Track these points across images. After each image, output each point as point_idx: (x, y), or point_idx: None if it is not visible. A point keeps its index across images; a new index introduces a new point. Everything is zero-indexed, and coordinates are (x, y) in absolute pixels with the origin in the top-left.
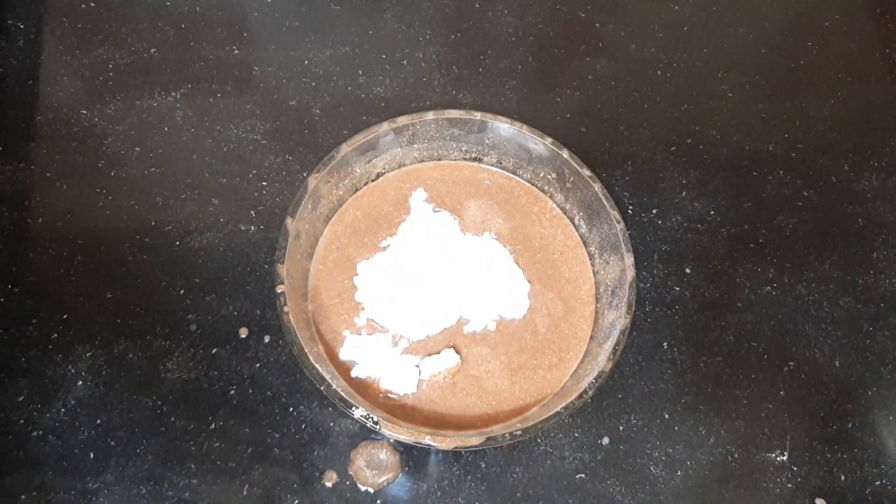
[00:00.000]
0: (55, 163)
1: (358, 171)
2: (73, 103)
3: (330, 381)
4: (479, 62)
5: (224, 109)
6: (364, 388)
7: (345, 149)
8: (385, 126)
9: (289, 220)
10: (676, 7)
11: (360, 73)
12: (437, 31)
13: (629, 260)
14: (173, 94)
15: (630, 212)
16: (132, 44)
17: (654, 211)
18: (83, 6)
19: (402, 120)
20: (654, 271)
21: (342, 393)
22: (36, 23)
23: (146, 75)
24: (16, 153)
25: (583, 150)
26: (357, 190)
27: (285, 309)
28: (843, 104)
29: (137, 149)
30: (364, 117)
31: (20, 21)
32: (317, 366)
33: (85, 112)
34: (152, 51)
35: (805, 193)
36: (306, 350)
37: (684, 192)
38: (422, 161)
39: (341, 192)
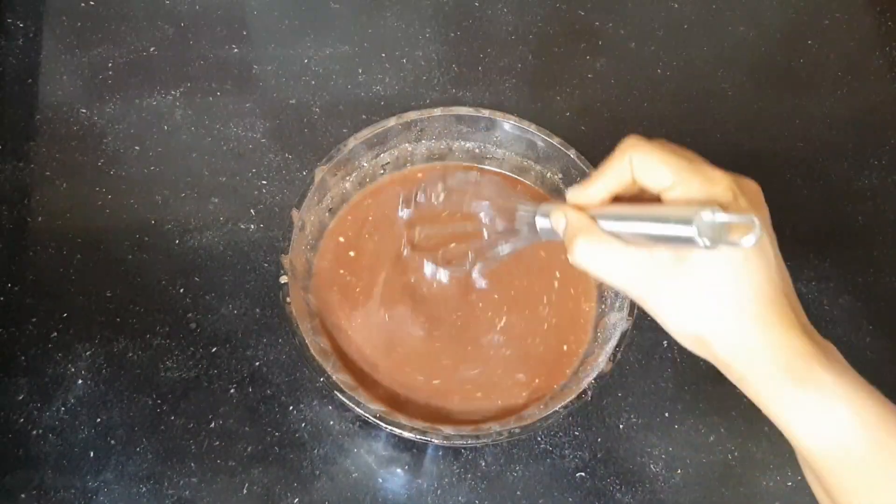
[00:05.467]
0: (55, 161)
1: (365, 164)
2: (73, 102)
3: (330, 373)
4: (479, 60)
5: (224, 108)
6: (365, 382)
7: (352, 142)
8: (393, 121)
9: (294, 212)
10: (676, 5)
11: (360, 71)
12: (436, 29)
13: None
14: (173, 92)
15: None
16: (132, 42)
17: None
18: (82, 5)
19: (411, 115)
20: None
21: (342, 385)
22: (35, 21)
23: (146, 74)
24: (15, 152)
25: (583, 148)
26: (363, 185)
27: (287, 300)
28: (843, 103)
29: (137, 147)
30: (364, 116)
31: (20, 19)
32: (318, 358)
33: (84, 111)
34: (152, 49)
35: (805, 192)
36: (307, 342)
37: None
38: (429, 157)
39: (347, 186)
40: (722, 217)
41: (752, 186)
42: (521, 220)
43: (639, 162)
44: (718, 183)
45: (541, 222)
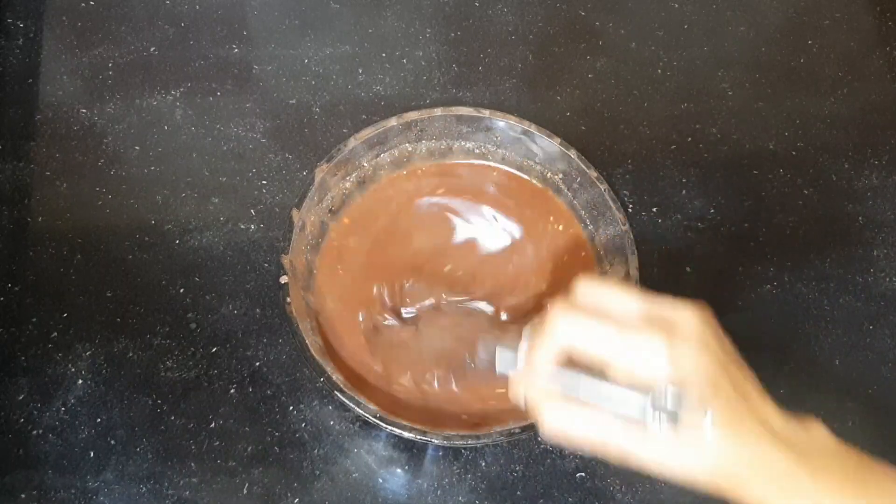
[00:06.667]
0: (55, 161)
1: (365, 164)
2: (73, 102)
3: (330, 373)
4: (479, 60)
5: (224, 108)
6: (365, 382)
7: (352, 142)
8: (393, 121)
9: (294, 212)
10: (676, 5)
11: (360, 71)
12: (437, 29)
13: (634, 262)
14: (173, 92)
15: (630, 210)
16: (132, 42)
17: (654, 209)
18: (83, 4)
19: (411, 115)
20: (654, 270)
21: (342, 386)
22: (35, 21)
23: (146, 74)
24: (15, 152)
25: (583, 148)
26: (363, 185)
27: (288, 300)
28: (843, 102)
29: (137, 147)
30: (364, 116)
31: (20, 20)
32: (318, 358)
33: (84, 111)
34: (152, 49)
35: (805, 192)
36: (308, 342)
37: (684, 191)
38: (429, 157)
39: (348, 185)
40: (670, 402)
41: (689, 325)
42: (483, 350)
43: (565, 339)
44: (653, 352)
45: (500, 366)
